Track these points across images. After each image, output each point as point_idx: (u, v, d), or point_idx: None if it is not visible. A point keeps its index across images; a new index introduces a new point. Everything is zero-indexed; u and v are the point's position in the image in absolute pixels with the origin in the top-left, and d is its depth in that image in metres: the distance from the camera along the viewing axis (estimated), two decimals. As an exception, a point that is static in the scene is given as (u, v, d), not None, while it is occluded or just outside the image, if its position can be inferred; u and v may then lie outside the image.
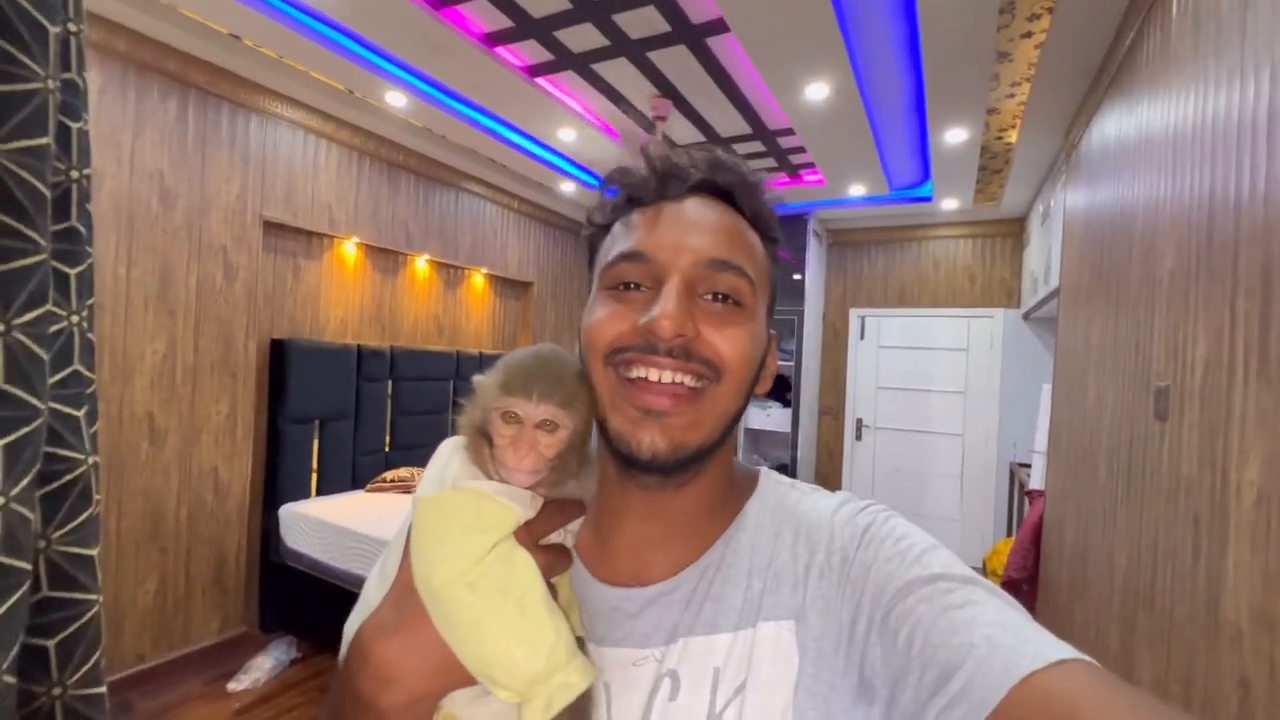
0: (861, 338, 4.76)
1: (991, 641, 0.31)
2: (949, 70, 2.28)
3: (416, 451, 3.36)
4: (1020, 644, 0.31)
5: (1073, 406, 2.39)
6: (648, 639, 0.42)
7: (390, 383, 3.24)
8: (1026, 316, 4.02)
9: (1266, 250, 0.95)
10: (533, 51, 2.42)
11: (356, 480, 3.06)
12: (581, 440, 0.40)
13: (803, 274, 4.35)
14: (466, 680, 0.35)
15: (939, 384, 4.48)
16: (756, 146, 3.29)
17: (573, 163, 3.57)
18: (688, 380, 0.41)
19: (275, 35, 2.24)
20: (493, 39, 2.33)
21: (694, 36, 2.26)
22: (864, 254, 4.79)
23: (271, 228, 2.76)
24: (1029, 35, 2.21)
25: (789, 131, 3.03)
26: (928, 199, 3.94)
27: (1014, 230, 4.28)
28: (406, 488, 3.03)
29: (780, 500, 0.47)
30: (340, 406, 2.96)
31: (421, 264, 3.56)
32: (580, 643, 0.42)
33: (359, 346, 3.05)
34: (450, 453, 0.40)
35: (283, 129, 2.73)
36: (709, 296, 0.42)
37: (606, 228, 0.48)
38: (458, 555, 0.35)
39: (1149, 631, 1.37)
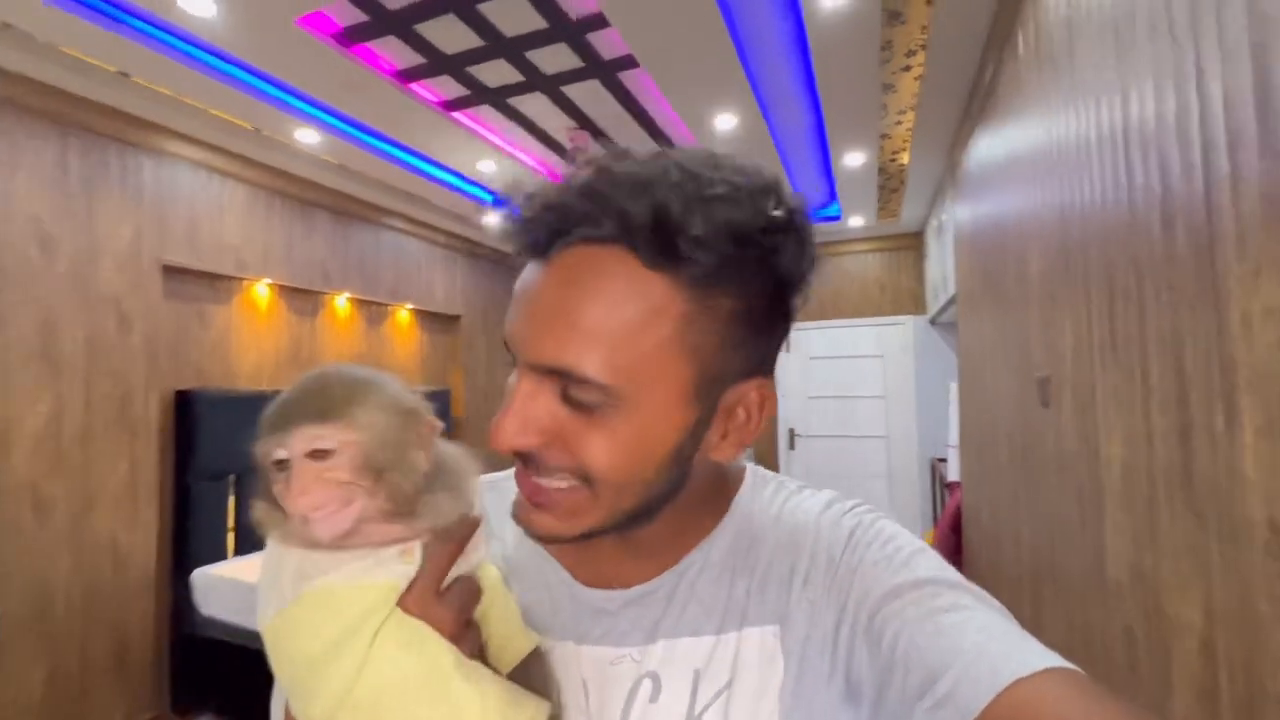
0: (789, 350, 4.95)
1: (980, 647, 0.31)
2: (843, 100, 2.49)
3: (345, 499, 3.19)
4: (1008, 650, 0.31)
5: (976, 401, 2.61)
6: (625, 637, 0.42)
7: (313, 428, 3.08)
8: (933, 322, 4.34)
9: (1105, 249, 1.10)
10: (447, 87, 2.43)
11: (279, 535, 2.87)
12: (390, 448, 0.32)
13: (728, 293, 4.51)
14: None
15: (862, 390, 4.74)
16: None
17: (494, 194, 3.58)
18: (553, 483, 0.36)
19: (169, 72, 2.14)
20: (406, 75, 2.33)
21: (606, 72, 2.35)
22: (783, 271, 5.03)
23: (173, 273, 2.59)
24: (909, 69, 2.45)
25: (704, 159, 3.18)
26: (837, 217, 4.21)
27: (915, 243, 4.64)
28: (336, 538, 2.87)
29: (765, 502, 0.45)
30: (258, 458, 2.77)
31: (341, 302, 3.43)
32: (536, 655, 0.39)
33: (276, 392, 2.88)
34: (276, 556, 0.33)
35: (182, 168, 2.59)
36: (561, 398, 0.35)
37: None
38: (323, 686, 0.29)
39: (1052, 599, 1.50)
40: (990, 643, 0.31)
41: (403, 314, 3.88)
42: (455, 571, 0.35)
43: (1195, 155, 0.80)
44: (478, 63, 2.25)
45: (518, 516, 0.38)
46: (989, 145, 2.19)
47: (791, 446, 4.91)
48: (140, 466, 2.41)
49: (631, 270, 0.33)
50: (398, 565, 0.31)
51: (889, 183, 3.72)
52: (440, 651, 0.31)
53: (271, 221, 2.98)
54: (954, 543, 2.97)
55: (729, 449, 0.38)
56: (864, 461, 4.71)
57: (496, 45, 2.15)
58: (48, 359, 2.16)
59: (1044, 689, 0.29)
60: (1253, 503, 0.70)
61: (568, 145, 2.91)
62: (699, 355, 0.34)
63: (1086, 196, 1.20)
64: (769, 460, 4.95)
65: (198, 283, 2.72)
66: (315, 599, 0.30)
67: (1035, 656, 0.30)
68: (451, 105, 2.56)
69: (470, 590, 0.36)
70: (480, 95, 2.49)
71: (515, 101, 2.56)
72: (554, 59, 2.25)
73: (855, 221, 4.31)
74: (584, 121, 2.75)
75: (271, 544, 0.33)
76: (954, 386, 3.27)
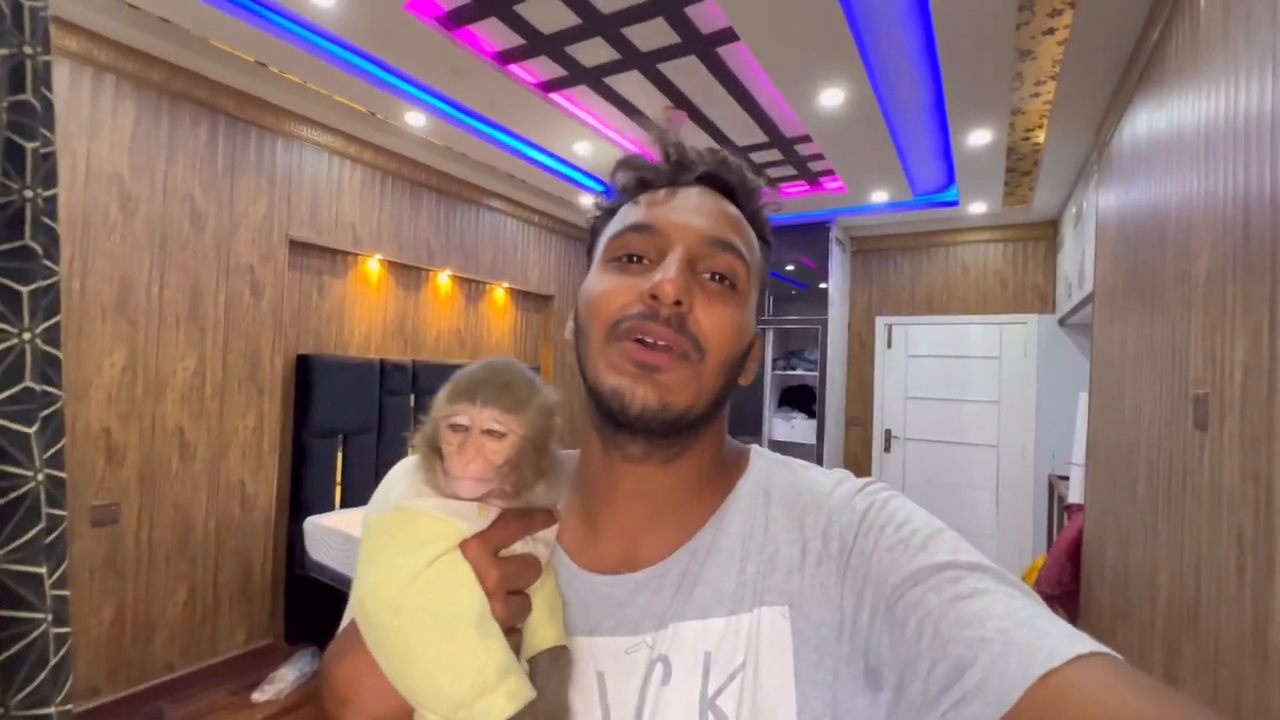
0: (889, 346, 4.64)
1: (1006, 636, 0.30)
2: (968, 71, 2.22)
3: (438, 464, 3.39)
4: (1036, 639, 0.30)
5: (1110, 416, 2.28)
6: (638, 625, 0.42)
7: (412, 396, 3.29)
8: (1062, 322, 3.86)
9: (1307, 246, 0.88)
10: (545, 68, 2.45)
11: (379, 493, 3.10)
12: (535, 448, 0.38)
13: (826, 282, 4.28)
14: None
15: (972, 393, 4.33)
16: (774, 155, 3.26)
17: (590, 176, 3.60)
18: (679, 347, 0.42)
19: (299, 62, 2.32)
20: (505, 57, 2.36)
21: (704, 47, 2.25)
22: (889, 261, 4.69)
23: (297, 246, 2.84)
24: (1051, 31, 2.14)
25: (806, 139, 2.99)
26: (954, 203, 3.83)
27: (1047, 233, 4.13)
28: (428, 500, 3.06)
29: (773, 479, 0.47)
30: (363, 420, 3.01)
31: (443, 279, 3.62)
32: (561, 651, 0.40)
33: (381, 361, 3.10)
34: (400, 474, 0.40)
35: (308, 151, 2.82)
36: (707, 275, 0.44)
37: (612, 212, 0.49)
38: (387, 578, 0.34)
39: (1194, 658, 1.27)
40: (1018, 630, 0.30)
41: (499, 292, 4.03)
42: (524, 549, 0.39)
43: None
44: (575, 42, 2.24)
45: (633, 390, 0.41)
46: (1149, 120, 1.87)
47: (887, 449, 4.60)
48: (266, 420, 2.69)
49: (739, 211, 0.48)
50: (471, 515, 0.37)
51: (1020, 165, 3.31)
52: (471, 599, 0.35)
53: (383, 201, 3.18)
54: (1070, 571, 2.64)
55: (748, 376, 0.47)
56: (968, 471, 4.32)
57: (593, 23, 2.12)
58: (195, 320, 2.44)
59: (1080, 677, 0.28)
60: None
61: (664, 126, 2.85)
62: (761, 286, 0.49)
63: (1282, 178, 0.97)
64: (863, 463, 4.68)
65: (319, 256, 2.97)
66: (405, 514, 0.36)
67: (1064, 642, 0.29)
68: (549, 86, 2.58)
69: (527, 564, 0.38)
70: (577, 75, 2.48)
71: (611, 81, 2.53)
72: (651, 35, 2.19)
73: (976, 208, 3.90)
74: (680, 100, 2.67)
75: (403, 467, 0.39)
76: (1083, 397, 2.89)
